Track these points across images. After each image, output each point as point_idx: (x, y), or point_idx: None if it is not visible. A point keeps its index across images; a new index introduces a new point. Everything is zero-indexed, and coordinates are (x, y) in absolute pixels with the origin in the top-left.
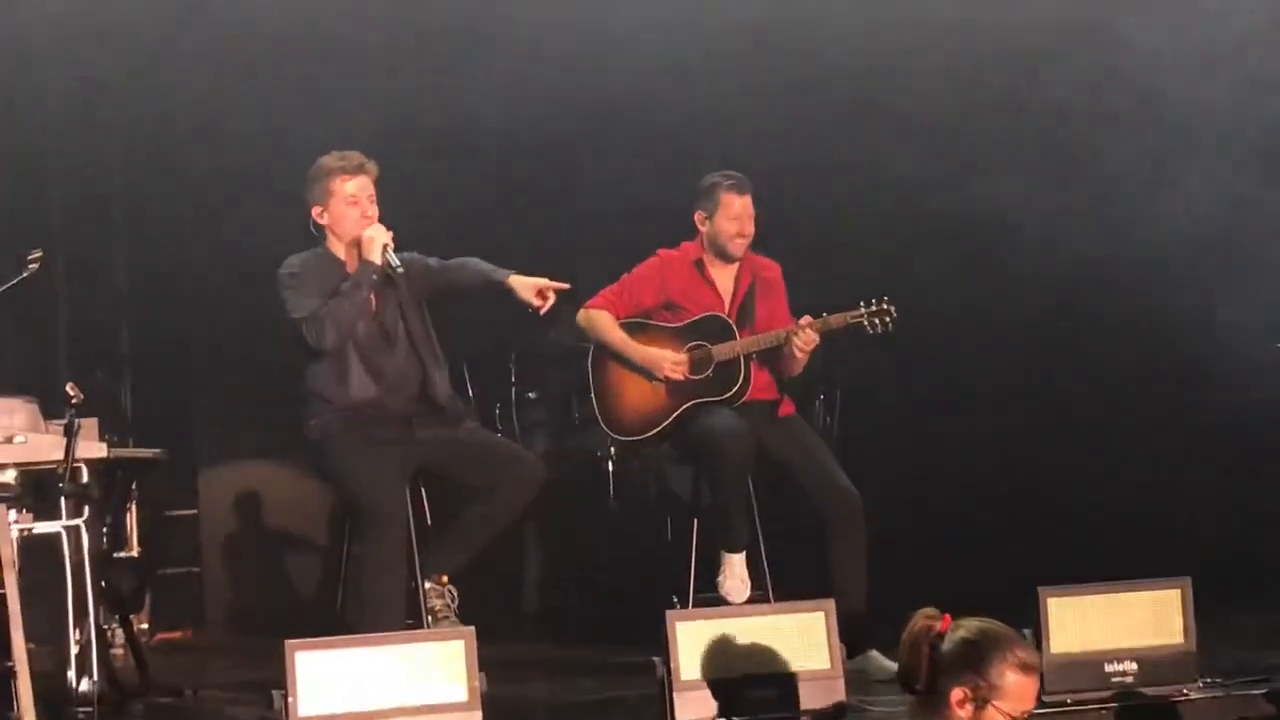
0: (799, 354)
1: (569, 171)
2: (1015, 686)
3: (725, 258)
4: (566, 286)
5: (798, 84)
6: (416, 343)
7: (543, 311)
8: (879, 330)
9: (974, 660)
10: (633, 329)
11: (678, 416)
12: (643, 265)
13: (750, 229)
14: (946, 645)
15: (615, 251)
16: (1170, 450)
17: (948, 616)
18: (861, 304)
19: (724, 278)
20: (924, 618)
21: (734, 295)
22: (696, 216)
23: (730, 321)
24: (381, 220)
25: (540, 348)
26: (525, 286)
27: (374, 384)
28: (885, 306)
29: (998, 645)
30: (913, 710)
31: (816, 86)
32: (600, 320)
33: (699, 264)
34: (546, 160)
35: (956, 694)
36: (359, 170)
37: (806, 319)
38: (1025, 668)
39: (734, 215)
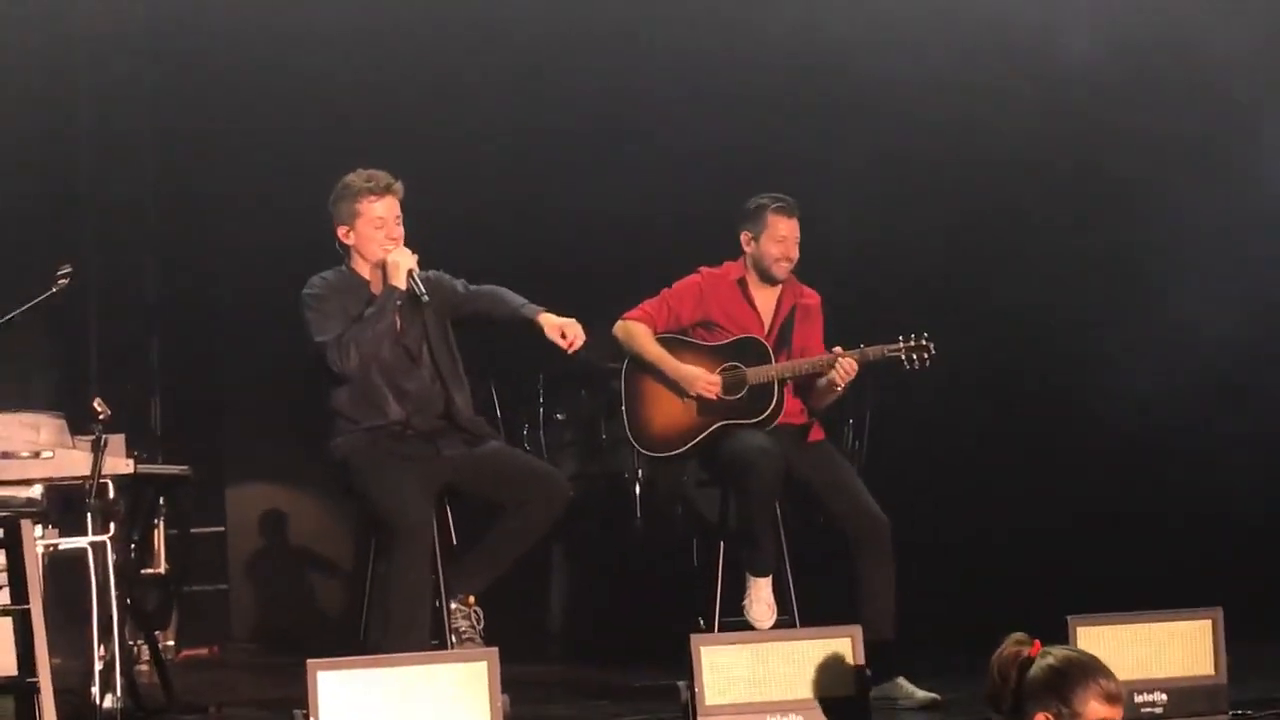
0: (838, 383)
1: (601, 186)
2: (1098, 715)
3: (769, 280)
4: (584, 340)
5: (848, 107)
6: (440, 364)
7: (570, 351)
8: (916, 366)
9: (1060, 687)
10: (669, 344)
11: (707, 436)
12: (684, 281)
13: (795, 253)
14: (1034, 671)
15: (649, 268)
16: (1206, 479)
17: (1037, 643)
18: (900, 338)
19: (765, 301)
20: (1014, 643)
21: (774, 319)
22: (742, 237)
23: (767, 345)
24: (407, 239)
25: (568, 368)
26: (553, 327)
27: (398, 405)
28: (924, 342)
29: (1084, 674)
30: None
31: (867, 111)
32: (637, 332)
33: (742, 283)
34: (578, 173)
35: (1040, 719)
36: (386, 191)
37: (839, 350)
38: (1110, 698)
39: (780, 238)
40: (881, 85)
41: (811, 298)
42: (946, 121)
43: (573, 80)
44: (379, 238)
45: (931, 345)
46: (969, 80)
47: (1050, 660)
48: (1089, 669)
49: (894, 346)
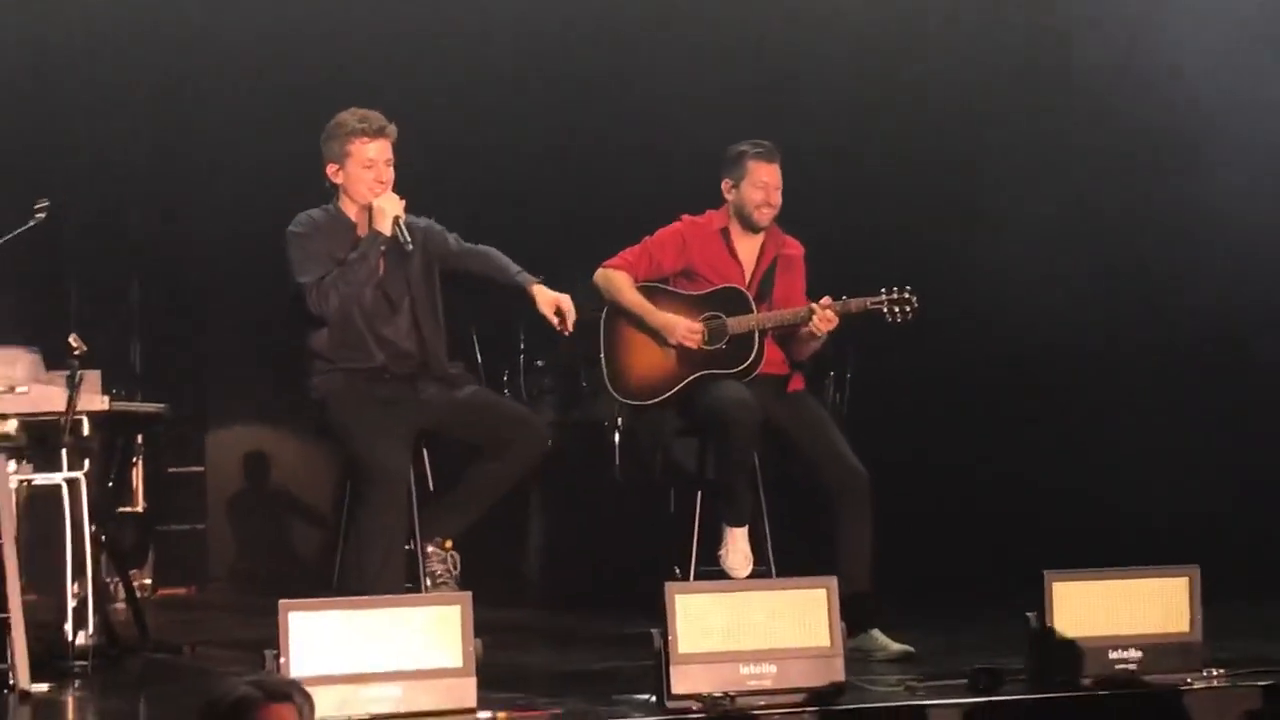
0: (816, 334)
1: (589, 134)
2: None
3: (751, 227)
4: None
5: (838, 60)
6: (419, 313)
7: (561, 330)
8: (898, 319)
9: None
10: (649, 293)
11: (686, 386)
12: (665, 229)
13: (777, 199)
14: None
15: (633, 216)
16: (1183, 435)
17: None
18: (883, 291)
19: (747, 250)
20: None
21: (755, 269)
22: (724, 185)
23: (748, 295)
24: (396, 185)
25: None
26: (547, 301)
27: (377, 349)
28: (907, 295)
29: None
30: None
31: (853, 63)
32: (618, 280)
33: (724, 233)
34: (565, 119)
35: None
36: (379, 133)
37: (826, 300)
38: None
39: (761, 183)
40: (868, 30)
41: (794, 248)
42: (935, 66)
43: (557, 26)
44: (368, 179)
45: (914, 299)
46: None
47: None
48: None
49: (876, 299)
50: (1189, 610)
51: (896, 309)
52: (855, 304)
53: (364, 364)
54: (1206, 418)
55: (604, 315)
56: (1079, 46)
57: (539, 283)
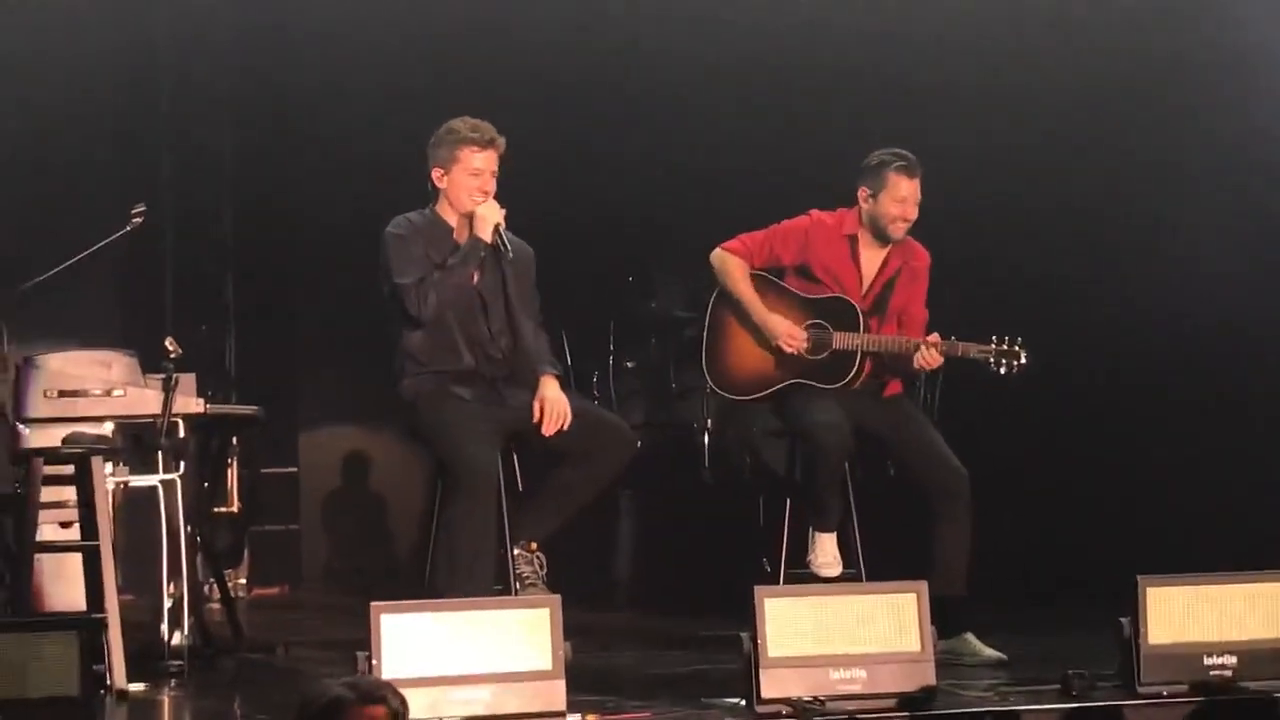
0: (920, 367)
1: (685, 130)
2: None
3: (882, 239)
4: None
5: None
6: (513, 319)
7: (543, 431)
8: (1004, 371)
9: None
10: (760, 284)
11: (779, 390)
12: (792, 221)
13: (914, 213)
14: None
15: (726, 217)
16: None
17: None
18: (993, 340)
19: (871, 260)
20: None
21: (876, 278)
22: (860, 193)
23: (860, 312)
24: (496, 197)
25: (640, 316)
26: (541, 396)
27: (468, 352)
28: (1016, 349)
29: None
30: None
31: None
32: (732, 265)
33: (853, 239)
34: (662, 117)
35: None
36: (489, 144)
37: (935, 338)
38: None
39: (900, 198)
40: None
41: (920, 259)
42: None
43: (659, 30)
44: (472, 186)
45: (1023, 353)
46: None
47: None
48: None
49: (983, 347)
50: None
51: (1003, 360)
52: (963, 348)
53: (454, 366)
54: None
55: (713, 298)
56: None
57: (550, 374)
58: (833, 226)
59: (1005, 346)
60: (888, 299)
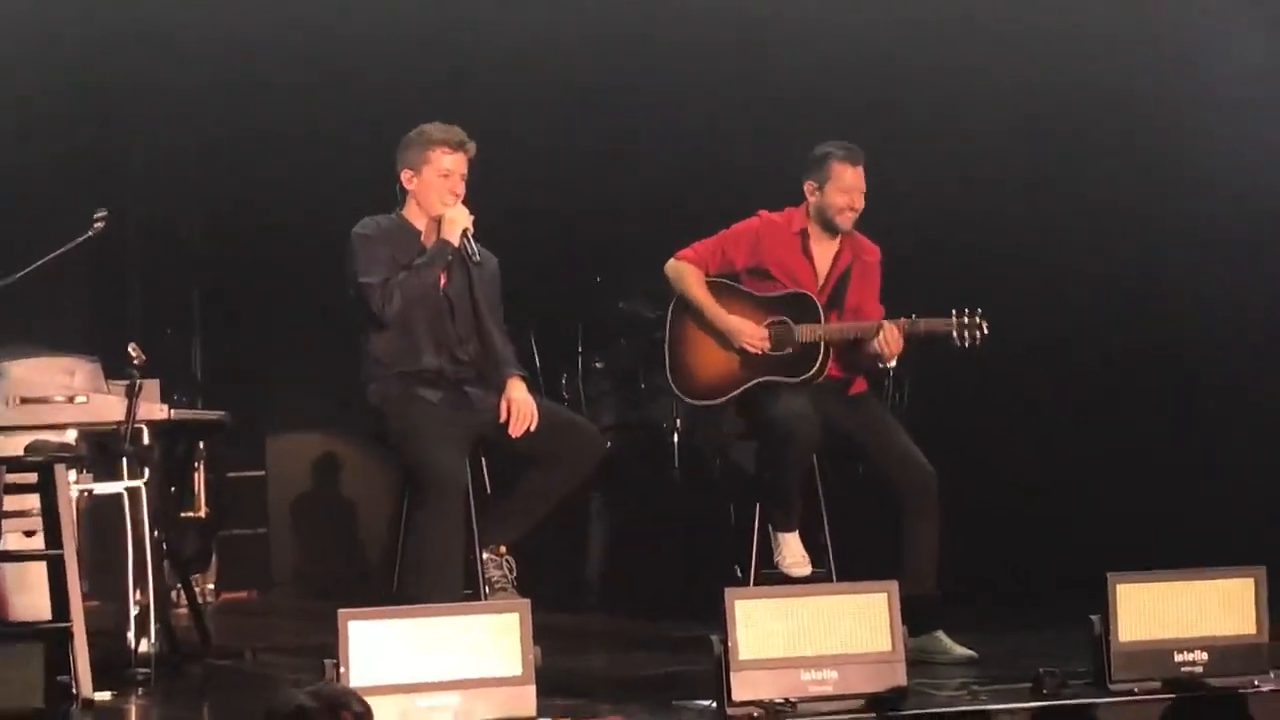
0: (883, 353)
1: (650, 129)
2: None
3: (831, 230)
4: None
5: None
6: (480, 323)
7: (510, 431)
8: (967, 344)
9: None
10: (719, 290)
11: (747, 390)
12: (741, 224)
13: (860, 203)
14: None
15: (694, 215)
16: (1251, 436)
17: None
18: (953, 313)
19: (823, 254)
20: None
21: (830, 273)
22: (806, 186)
23: (819, 303)
24: (465, 203)
25: (608, 317)
26: (508, 398)
27: (434, 355)
28: (978, 320)
29: None
30: None
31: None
32: (687, 273)
33: (803, 234)
34: (627, 116)
35: None
36: (459, 147)
37: (903, 322)
38: None
39: (845, 187)
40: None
41: (871, 253)
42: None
43: (632, 25)
44: (442, 189)
45: (984, 324)
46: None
47: None
48: None
49: (945, 321)
50: (1255, 611)
51: (966, 333)
52: (925, 324)
53: (420, 368)
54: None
55: (671, 306)
56: None
57: (517, 376)
58: (782, 225)
59: (967, 319)
60: (843, 295)
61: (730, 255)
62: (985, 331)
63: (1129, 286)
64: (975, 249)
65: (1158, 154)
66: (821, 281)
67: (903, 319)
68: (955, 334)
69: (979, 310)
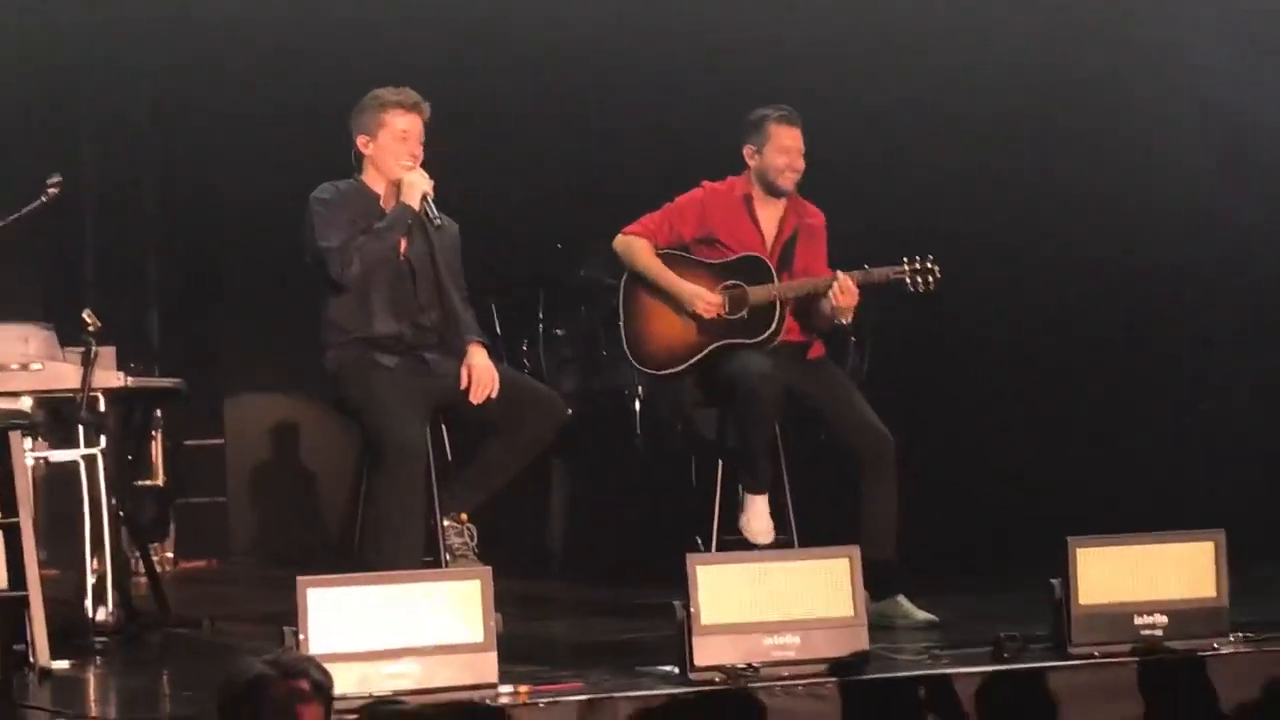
0: (836, 307)
1: (606, 95)
2: None
3: (774, 192)
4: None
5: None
6: (441, 289)
7: (471, 398)
8: (921, 289)
9: None
10: (670, 261)
11: (706, 355)
12: (686, 196)
13: (800, 163)
14: None
15: (653, 181)
16: (1217, 400)
17: None
18: (905, 260)
19: (769, 218)
20: None
21: (776, 237)
22: (745, 151)
23: (770, 264)
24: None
25: (568, 284)
26: (468, 364)
27: (393, 320)
28: (929, 265)
29: None
30: None
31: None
32: (637, 247)
33: (747, 199)
34: (582, 82)
35: None
36: (414, 109)
37: (856, 273)
38: None
39: (784, 148)
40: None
41: (815, 217)
42: (959, 33)
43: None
44: (400, 151)
45: (936, 268)
46: None
47: None
48: None
49: (898, 269)
50: (1215, 575)
51: (919, 278)
52: (878, 274)
53: (378, 334)
54: (1235, 385)
55: (623, 281)
56: None
57: (477, 343)
58: (725, 192)
59: (919, 265)
60: (791, 257)
61: (678, 227)
62: (938, 276)
63: (1091, 259)
64: (938, 217)
65: (1112, 135)
66: (770, 245)
67: (855, 271)
68: (908, 279)
69: (930, 256)
